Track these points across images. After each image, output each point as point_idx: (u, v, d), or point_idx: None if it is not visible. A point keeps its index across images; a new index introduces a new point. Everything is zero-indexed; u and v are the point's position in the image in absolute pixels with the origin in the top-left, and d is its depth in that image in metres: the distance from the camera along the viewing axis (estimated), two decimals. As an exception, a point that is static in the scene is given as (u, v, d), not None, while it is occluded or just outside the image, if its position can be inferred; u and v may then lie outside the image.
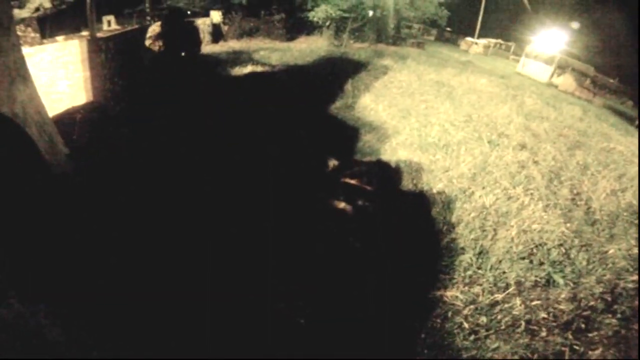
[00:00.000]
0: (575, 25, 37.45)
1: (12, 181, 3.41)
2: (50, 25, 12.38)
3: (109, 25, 17.20)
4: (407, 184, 5.49)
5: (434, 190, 5.34)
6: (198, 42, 10.34)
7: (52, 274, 2.97)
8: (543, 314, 3.65)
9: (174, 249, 3.54)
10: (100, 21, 16.98)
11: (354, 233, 3.96)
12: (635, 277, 4.53)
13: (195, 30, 10.82)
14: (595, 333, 3.59)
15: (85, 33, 6.91)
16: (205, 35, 19.24)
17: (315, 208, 4.23)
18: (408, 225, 4.35)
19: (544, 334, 3.48)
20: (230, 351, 2.83)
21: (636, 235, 5.43)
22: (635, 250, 5.04)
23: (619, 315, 3.84)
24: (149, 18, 22.67)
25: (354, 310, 3.23)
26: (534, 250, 4.48)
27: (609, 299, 4.07)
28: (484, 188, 5.62)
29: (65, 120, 5.56)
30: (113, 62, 7.31)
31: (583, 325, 3.63)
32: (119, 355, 2.67)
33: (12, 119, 3.53)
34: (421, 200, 5.03)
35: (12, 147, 3.68)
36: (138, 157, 5.03)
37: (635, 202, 6.48)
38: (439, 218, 4.64)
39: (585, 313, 3.80)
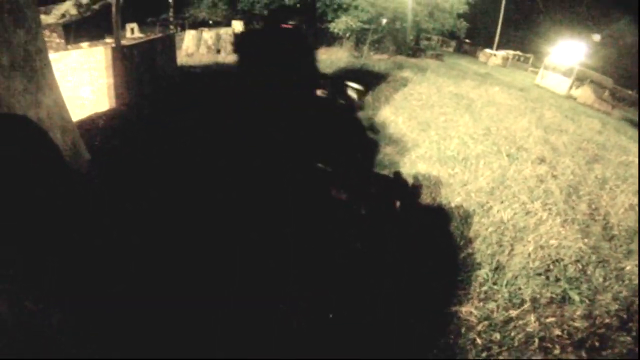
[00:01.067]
0: (595, 37, 36.94)
1: (36, 184, 3.46)
2: (75, 31, 12.67)
3: (132, 32, 17.50)
4: (425, 197, 5.46)
5: (452, 204, 5.30)
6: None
7: (69, 278, 3.01)
8: (557, 331, 3.60)
9: (194, 255, 3.56)
10: (124, 29, 17.25)
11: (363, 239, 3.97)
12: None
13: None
14: (609, 351, 3.53)
15: (109, 40, 7.06)
16: (227, 44, 19.46)
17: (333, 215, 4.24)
18: (425, 239, 4.32)
19: (557, 351, 3.43)
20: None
21: (655, 252, 5.34)
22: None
23: (633, 333, 3.77)
24: (172, 27, 23.00)
25: (364, 317, 3.23)
26: (551, 266, 4.42)
27: (625, 316, 4.01)
28: (502, 202, 5.57)
29: (89, 126, 5.68)
30: (136, 69, 7.46)
31: (597, 344, 3.57)
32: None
33: (37, 123, 3.61)
34: (439, 214, 5.00)
35: (37, 150, 3.74)
36: (159, 164, 5.08)
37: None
38: (457, 232, 4.60)
39: (600, 331, 3.73)
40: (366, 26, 22.91)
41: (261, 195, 4.54)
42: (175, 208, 4.18)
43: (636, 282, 4.60)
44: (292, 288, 3.34)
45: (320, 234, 3.96)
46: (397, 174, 6.00)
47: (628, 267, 4.79)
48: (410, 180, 4.81)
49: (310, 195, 4.40)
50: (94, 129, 5.69)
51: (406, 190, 4.63)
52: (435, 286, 3.73)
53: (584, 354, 3.43)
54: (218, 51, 19.10)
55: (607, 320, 3.90)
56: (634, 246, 5.36)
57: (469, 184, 5.97)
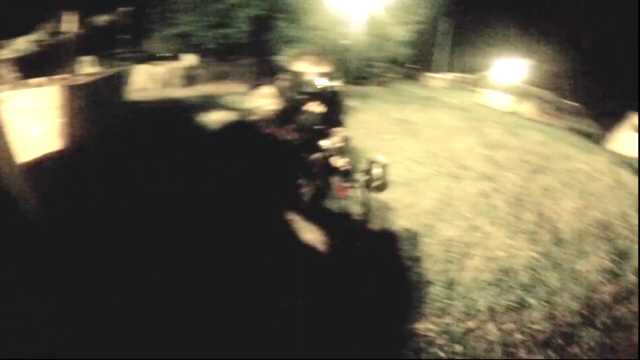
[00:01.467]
0: (532, 55, 39.15)
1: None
2: (30, 66, 12.44)
3: (89, 65, 17.25)
4: (373, 223, 5.62)
5: (399, 227, 5.49)
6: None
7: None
8: (519, 336, 3.74)
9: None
10: (81, 62, 17.02)
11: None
12: (610, 288, 4.71)
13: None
14: (576, 347, 3.70)
15: (64, 76, 6.96)
16: (178, 79, 19.58)
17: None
18: (374, 263, 4.46)
19: (523, 355, 3.57)
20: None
21: (606, 248, 5.65)
22: (608, 263, 5.25)
23: (600, 327, 3.95)
24: (126, 62, 23.06)
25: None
26: (502, 276, 4.62)
27: (586, 312, 4.19)
28: (447, 221, 5.80)
29: (37, 168, 5.49)
30: (88, 108, 7.38)
31: (562, 342, 3.73)
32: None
33: None
34: (387, 238, 5.17)
35: None
36: (109, 204, 5.08)
37: (602, 218, 6.76)
38: (404, 254, 4.77)
39: (563, 330, 3.90)
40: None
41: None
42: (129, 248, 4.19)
43: (592, 279, 4.86)
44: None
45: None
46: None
47: (581, 268, 5.04)
48: (357, 209, 4.96)
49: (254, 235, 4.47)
50: (42, 171, 5.52)
51: (353, 219, 4.77)
52: (390, 307, 3.86)
53: (551, 354, 3.60)
54: (169, 85, 19.17)
55: (569, 319, 4.10)
56: (586, 246, 5.64)
57: (414, 206, 6.19)
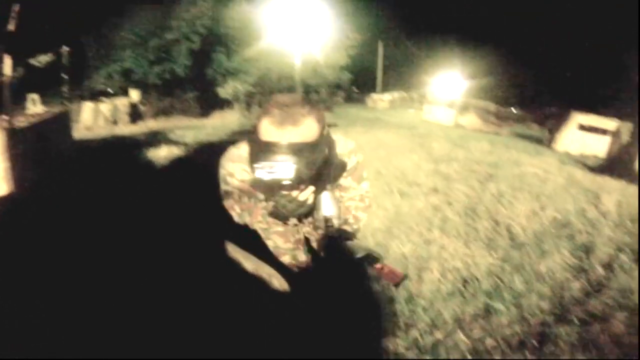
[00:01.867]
0: (470, 68, 40.84)
1: None
2: None
3: (34, 104, 16.91)
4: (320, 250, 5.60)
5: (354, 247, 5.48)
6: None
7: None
8: (491, 342, 3.74)
9: None
10: (25, 100, 16.71)
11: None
12: (579, 284, 4.79)
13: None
14: (552, 346, 3.72)
15: (5, 118, 6.90)
16: (124, 115, 19.72)
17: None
18: (330, 286, 4.43)
19: (498, 358, 3.59)
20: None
21: (567, 246, 5.74)
22: (572, 260, 5.33)
23: (575, 321, 3.96)
24: (68, 99, 22.83)
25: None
26: (464, 285, 4.63)
27: (558, 310, 4.19)
28: (400, 238, 5.82)
29: None
30: (33, 151, 7.62)
31: (536, 342, 3.75)
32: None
33: None
34: (338, 262, 5.15)
35: None
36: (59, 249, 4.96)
37: (559, 217, 6.95)
38: (359, 275, 4.75)
39: (536, 330, 3.92)
40: (253, 89, 24.50)
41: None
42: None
43: (558, 277, 4.93)
44: None
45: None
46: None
47: (544, 268, 5.10)
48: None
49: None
50: None
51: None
52: (356, 325, 3.82)
53: (528, 355, 3.62)
54: (115, 122, 19.17)
55: (541, 319, 4.11)
56: (546, 246, 5.74)
57: (366, 226, 6.19)
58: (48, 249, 4.87)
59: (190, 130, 16.87)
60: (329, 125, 2.94)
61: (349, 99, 45.70)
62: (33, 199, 6.70)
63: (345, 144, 3.38)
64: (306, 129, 2.58)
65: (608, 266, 5.22)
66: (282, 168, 2.49)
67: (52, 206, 6.33)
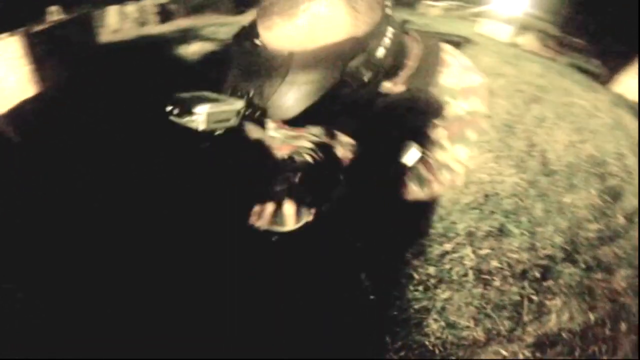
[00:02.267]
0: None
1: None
2: None
3: (55, 14, 16.88)
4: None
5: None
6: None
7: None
8: (496, 263, 3.70)
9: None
10: (46, 12, 16.70)
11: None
12: (597, 227, 4.67)
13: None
14: (552, 282, 3.68)
15: (27, 27, 7.14)
16: (151, 16, 19.29)
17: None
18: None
19: (497, 283, 3.52)
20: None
21: (597, 186, 5.59)
22: (597, 201, 5.20)
23: (582, 265, 3.90)
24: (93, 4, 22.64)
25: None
26: (485, 201, 4.55)
27: (569, 248, 4.16)
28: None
29: (17, 112, 6.00)
30: (57, 53, 7.79)
31: (538, 275, 3.71)
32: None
33: None
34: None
35: None
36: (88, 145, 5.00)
37: (597, 155, 6.70)
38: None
39: (542, 262, 3.86)
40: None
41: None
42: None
43: (579, 215, 4.83)
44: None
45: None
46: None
47: (569, 200, 5.00)
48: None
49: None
50: (22, 114, 5.94)
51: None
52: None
53: (526, 285, 3.58)
54: (144, 24, 18.84)
55: (549, 252, 4.06)
56: (576, 181, 5.57)
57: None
58: (79, 151, 4.89)
59: (223, 27, 16.28)
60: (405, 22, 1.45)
61: (400, 3, 43.78)
62: (60, 99, 6.83)
63: (456, 66, 1.56)
64: (319, 19, 1.12)
65: (630, 218, 5.02)
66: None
67: (79, 106, 6.44)
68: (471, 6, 39.13)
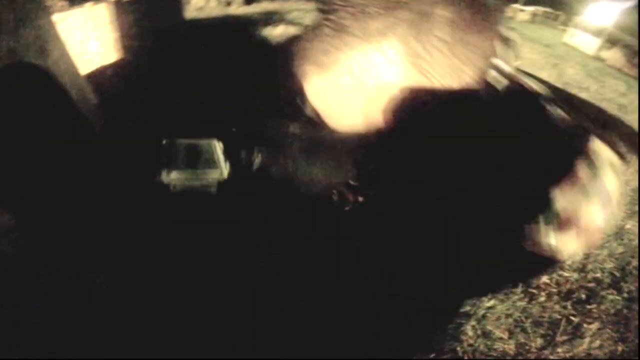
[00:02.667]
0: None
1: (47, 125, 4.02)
2: None
3: None
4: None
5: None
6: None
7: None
8: (545, 279, 3.78)
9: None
10: None
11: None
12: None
13: None
14: (595, 306, 3.71)
15: None
16: None
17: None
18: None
19: (542, 299, 3.61)
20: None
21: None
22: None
23: (625, 294, 3.96)
24: None
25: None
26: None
27: (618, 275, 4.20)
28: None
29: (98, 75, 6.25)
30: (141, 24, 8.20)
31: (584, 297, 3.75)
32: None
33: (47, 70, 4.34)
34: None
35: (48, 94, 4.46)
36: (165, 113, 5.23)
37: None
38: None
39: (589, 285, 3.91)
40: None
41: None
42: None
43: (636, 242, 4.79)
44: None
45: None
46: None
47: (628, 226, 5.00)
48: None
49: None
50: (102, 78, 6.18)
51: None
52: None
53: (569, 306, 3.63)
54: (229, 3, 18.99)
55: (598, 275, 4.10)
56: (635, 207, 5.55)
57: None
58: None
59: (309, 13, 15.88)
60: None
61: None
62: (141, 68, 7.06)
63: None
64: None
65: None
66: None
67: (158, 78, 6.59)
68: (560, 14, 37.81)
